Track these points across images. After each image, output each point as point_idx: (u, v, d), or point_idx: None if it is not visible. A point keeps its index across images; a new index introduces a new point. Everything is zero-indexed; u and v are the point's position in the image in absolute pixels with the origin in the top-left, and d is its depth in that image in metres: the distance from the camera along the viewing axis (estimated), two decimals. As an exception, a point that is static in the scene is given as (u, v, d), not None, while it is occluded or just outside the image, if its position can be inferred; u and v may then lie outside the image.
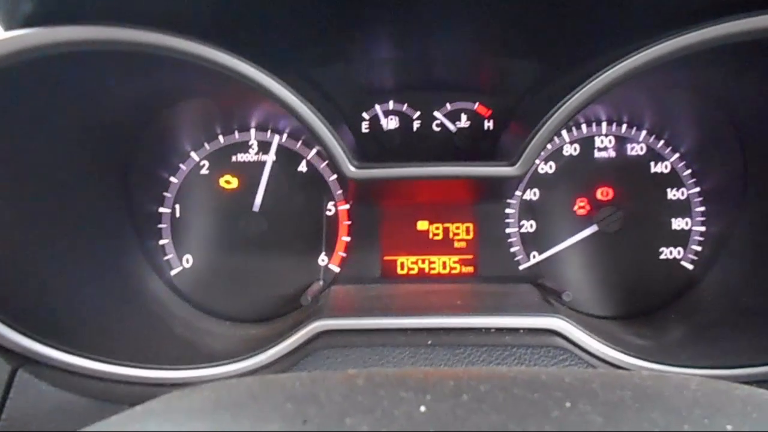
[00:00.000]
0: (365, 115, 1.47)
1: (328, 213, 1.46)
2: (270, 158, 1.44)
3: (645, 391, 0.52)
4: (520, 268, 1.47)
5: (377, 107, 1.47)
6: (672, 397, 0.52)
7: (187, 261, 1.46)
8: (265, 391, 0.54)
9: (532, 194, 1.47)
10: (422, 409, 0.48)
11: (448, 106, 1.47)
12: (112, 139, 1.29)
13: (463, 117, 1.48)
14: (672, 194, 1.44)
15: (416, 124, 1.48)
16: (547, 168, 1.46)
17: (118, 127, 1.28)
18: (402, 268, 1.48)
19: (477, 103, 1.47)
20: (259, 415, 0.49)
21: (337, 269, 1.47)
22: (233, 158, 1.45)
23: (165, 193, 1.45)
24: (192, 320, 1.39)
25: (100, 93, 1.14)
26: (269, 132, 1.45)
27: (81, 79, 1.06)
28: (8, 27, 0.91)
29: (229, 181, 1.45)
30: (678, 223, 1.44)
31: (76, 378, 1.01)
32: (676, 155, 1.44)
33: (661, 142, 1.45)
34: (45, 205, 1.13)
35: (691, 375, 0.94)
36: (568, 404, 0.48)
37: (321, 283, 1.43)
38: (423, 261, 1.48)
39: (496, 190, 1.36)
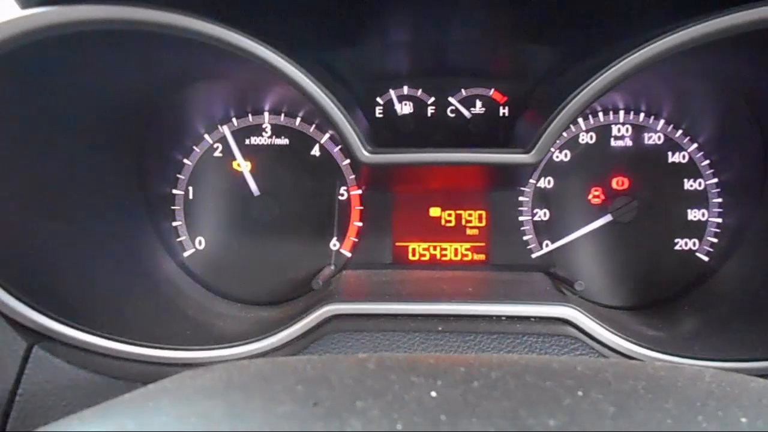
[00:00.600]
0: (379, 99, 1.46)
1: (341, 198, 1.46)
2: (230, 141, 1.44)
3: (658, 381, 0.52)
4: (533, 256, 1.46)
5: (392, 92, 1.46)
6: (686, 388, 0.51)
7: (200, 243, 1.46)
8: (277, 372, 0.55)
9: (546, 182, 1.45)
10: (433, 394, 0.48)
11: (463, 92, 1.46)
12: (127, 119, 1.29)
13: (478, 103, 1.46)
14: (689, 185, 1.42)
15: (430, 110, 1.47)
16: (562, 156, 1.44)
17: (133, 108, 1.28)
18: (413, 254, 1.48)
19: (492, 90, 1.46)
20: (270, 396, 0.49)
21: (348, 254, 1.47)
22: (247, 141, 1.45)
23: (179, 175, 1.45)
24: (204, 302, 1.40)
25: (116, 73, 1.14)
26: (283, 116, 1.45)
27: (97, 59, 1.06)
28: (25, 5, 0.91)
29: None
30: (694, 214, 1.42)
31: (91, 356, 1.02)
32: (694, 145, 1.42)
33: (679, 131, 1.42)
34: (60, 184, 1.14)
35: (704, 367, 0.93)
36: (580, 393, 0.48)
37: (332, 267, 1.43)
38: (435, 247, 1.48)
39: (510, 178, 1.34)
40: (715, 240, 1.42)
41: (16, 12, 0.89)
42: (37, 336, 1.00)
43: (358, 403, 0.46)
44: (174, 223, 1.45)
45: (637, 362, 1.01)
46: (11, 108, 1.00)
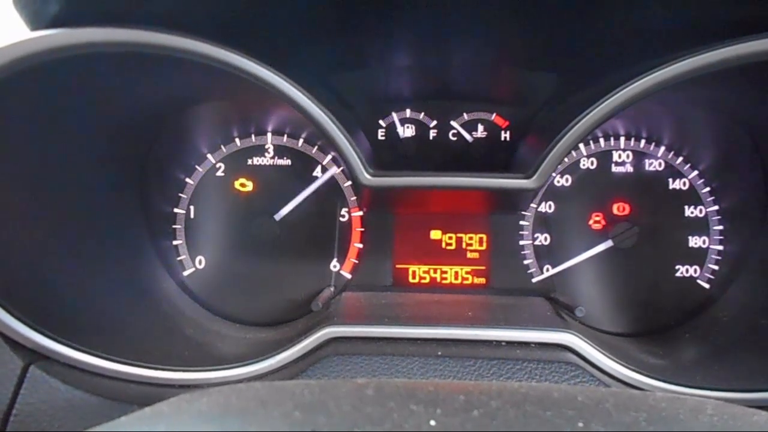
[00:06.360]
0: (382, 122, 1.47)
1: (342, 219, 1.46)
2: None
3: (660, 413, 0.51)
4: (533, 281, 1.46)
5: (394, 115, 1.47)
6: (687, 421, 0.51)
7: (200, 262, 1.46)
8: (274, 397, 0.54)
9: (547, 207, 1.46)
10: (432, 423, 0.47)
11: (465, 116, 1.47)
12: (131, 138, 1.30)
13: (480, 127, 1.47)
14: (690, 211, 1.43)
15: (432, 133, 1.48)
16: (564, 181, 1.45)
17: (136, 128, 1.29)
18: (414, 277, 1.47)
19: (494, 114, 1.47)
20: (268, 423, 0.49)
21: (348, 276, 1.47)
22: (249, 161, 1.46)
23: (180, 194, 1.46)
24: (203, 322, 1.39)
25: (121, 94, 1.15)
26: (285, 136, 1.46)
27: (103, 80, 1.07)
28: (34, 27, 0.93)
29: (244, 184, 1.46)
30: (695, 241, 1.42)
31: (87, 376, 1.01)
32: (695, 172, 1.42)
33: (680, 158, 1.43)
34: (60, 202, 1.14)
35: (705, 397, 0.92)
36: (580, 424, 0.47)
37: (332, 289, 1.42)
38: (435, 270, 1.47)
39: (511, 202, 1.35)
40: (716, 267, 1.42)
41: (26, 33, 0.91)
42: (33, 355, 0.99)
43: (356, 431, 0.46)
44: (174, 242, 1.45)
45: (638, 392, 0.99)
46: (16, 127, 1.01)
